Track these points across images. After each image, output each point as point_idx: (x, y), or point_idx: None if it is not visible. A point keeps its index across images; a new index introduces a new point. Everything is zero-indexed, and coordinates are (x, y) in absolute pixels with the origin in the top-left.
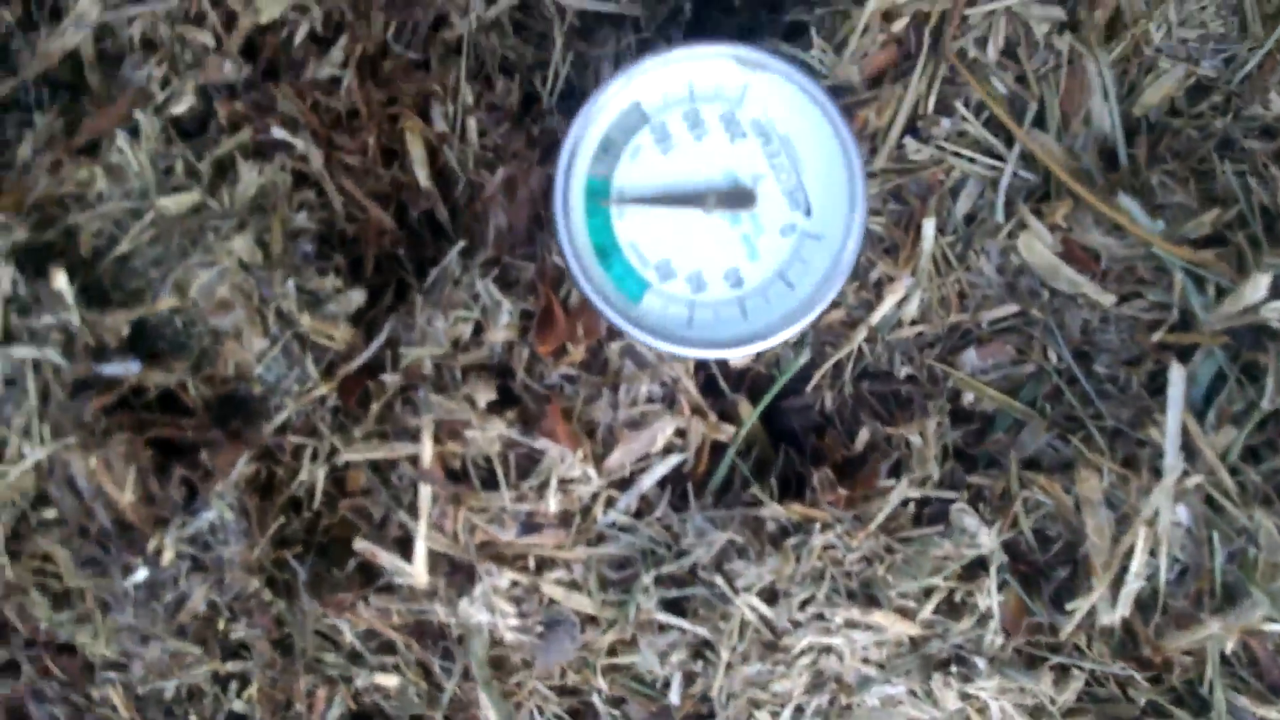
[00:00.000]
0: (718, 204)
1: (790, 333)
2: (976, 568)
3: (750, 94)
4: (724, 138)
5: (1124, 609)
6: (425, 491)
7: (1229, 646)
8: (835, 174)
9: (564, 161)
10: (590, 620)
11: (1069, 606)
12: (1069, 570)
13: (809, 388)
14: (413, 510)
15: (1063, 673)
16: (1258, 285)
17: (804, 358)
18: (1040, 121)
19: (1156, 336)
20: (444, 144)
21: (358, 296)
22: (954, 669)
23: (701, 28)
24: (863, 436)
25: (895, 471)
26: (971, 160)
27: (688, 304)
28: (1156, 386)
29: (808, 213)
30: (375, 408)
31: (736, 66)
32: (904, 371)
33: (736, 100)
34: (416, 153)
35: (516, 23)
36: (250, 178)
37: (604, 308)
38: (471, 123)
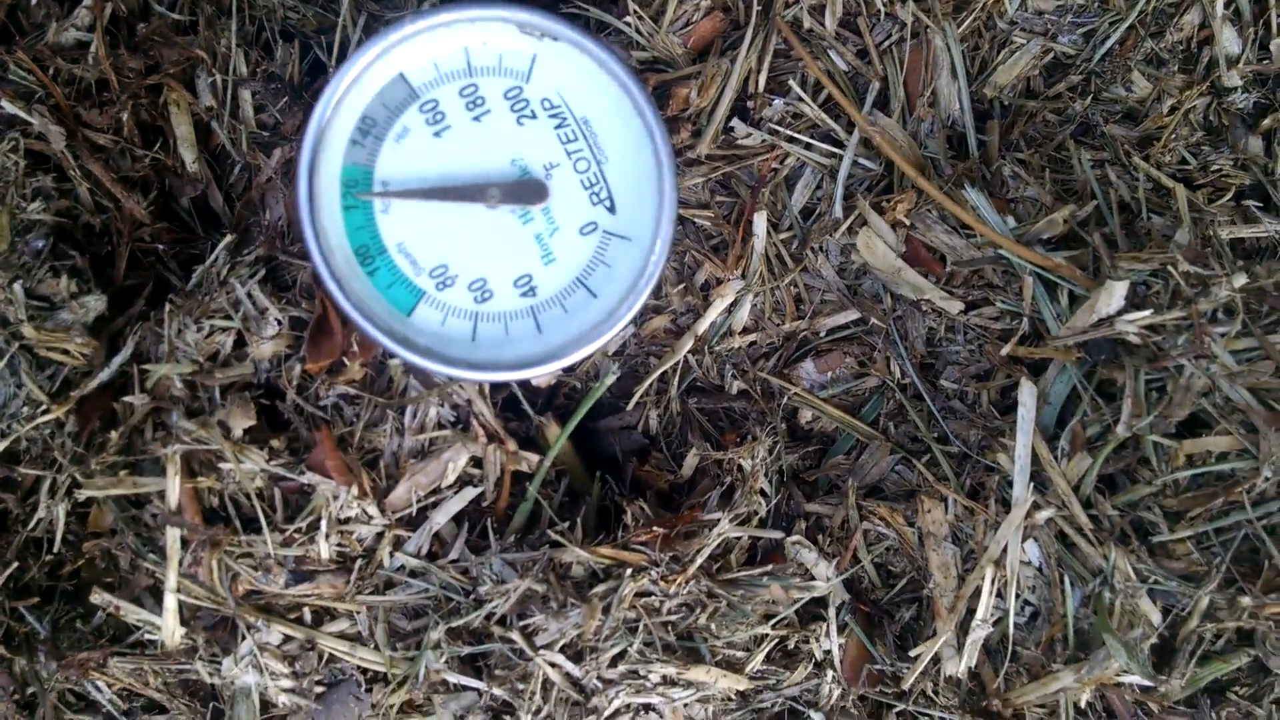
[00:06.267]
0: (504, 198)
1: (592, 348)
2: (811, 610)
3: (540, 67)
4: (510, 119)
5: (970, 659)
6: (173, 535)
7: (1084, 699)
8: (642, 163)
9: (309, 145)
10: (378, 679)
11: (913, 653)
12: (914, 609)
13: (630, 405)
14: (165, 554)
15: None
16: (1112, 294)
17: (614, 374)
18: (884, 102)
19: (1006, 349)
20: (214, 120)
21: (96, 303)
22: None
23: None
24: (690, 461)
25: (728, 496)
26: (808, 147)
27: (470, 316)
28: (1007, 404)
29: (611, 209)
30: (117, 434)
31: (520, 34)
32: (736, 386)
33: (523, 75)
34: (182, 130)
35: None
36: None
37: (364, 323)
38: (245, 95)
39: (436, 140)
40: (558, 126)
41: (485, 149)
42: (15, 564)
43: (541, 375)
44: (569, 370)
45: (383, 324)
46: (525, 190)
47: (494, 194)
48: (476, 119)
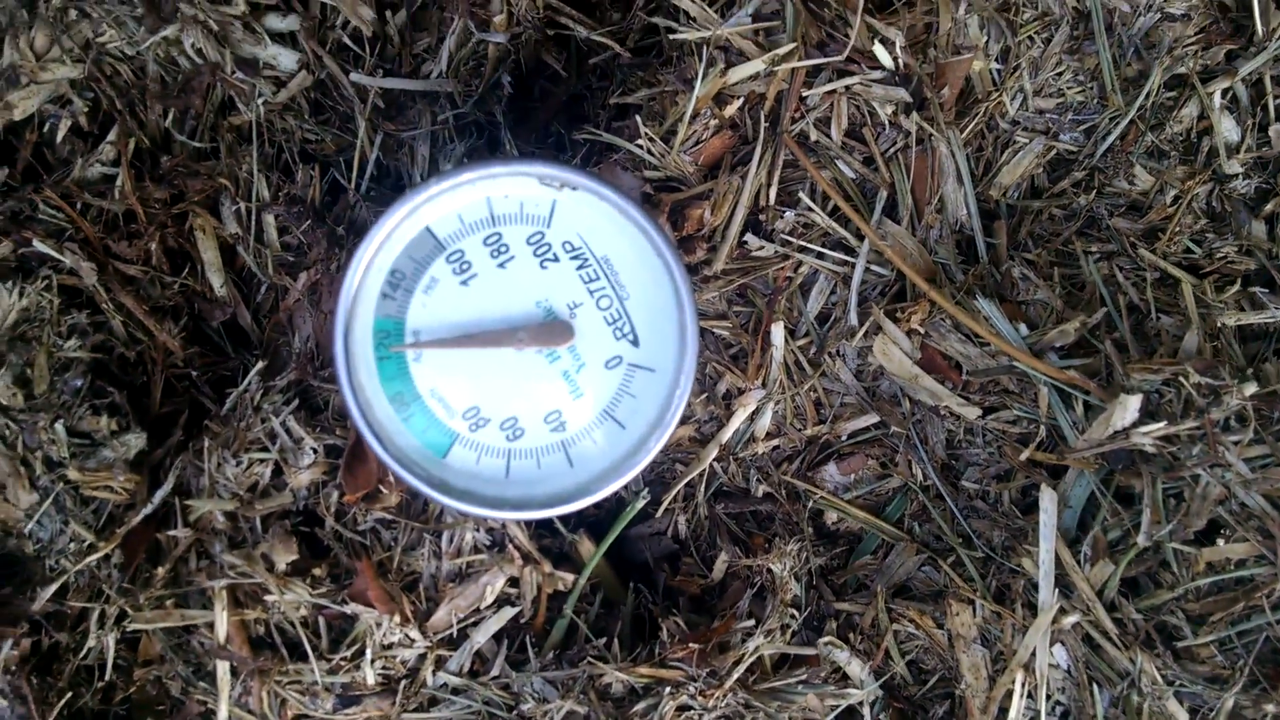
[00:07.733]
0: (531, 340)
1: (623, 481)
2: (848, 713)
3: (560, 211)
4: (533, 263)
5: None
6: (223, 669)
7: None
8: (663, 298)
9: (342, 308)
10: None
11: None
12: (947, 705)
13: (660, 512)
14: (215, 682)
15: None
16: (1127, 407)
17: (643, 498)
18: (891, 208)
19: (1025, 455)
20: (240, 245)
21: (137, 440)
22: None
23: (525, 99)
24: (720, 566)
25: (760, 598)
26: (820, 255)
27: (504, 454)
28: (1028, 503)
29: (634, 342)
30: (163, 570)
31: (540, 184)
32: (761, 490)
33: (545, 220)
34: (209, 256)
35: (314, 104)
36: (9, 303)
37: (402, 471)
38: (269, 219)
39: (464, 289)
40: (580, 267)
41: (511, 294)
42: (69, 693)
43: (575, 510)
44: None
45: (419, 470)
46: (551, 332)
47: (521, 337)
48: (501, 265)
